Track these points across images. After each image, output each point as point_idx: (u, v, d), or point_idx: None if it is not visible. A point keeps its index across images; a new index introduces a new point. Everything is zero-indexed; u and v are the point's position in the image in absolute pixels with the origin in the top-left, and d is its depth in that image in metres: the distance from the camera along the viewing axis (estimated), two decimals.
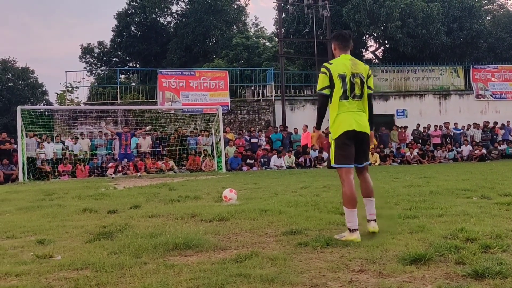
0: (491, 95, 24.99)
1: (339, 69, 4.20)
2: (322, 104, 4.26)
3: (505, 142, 21.93)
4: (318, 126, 4.40)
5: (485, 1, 33.81)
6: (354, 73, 4.21)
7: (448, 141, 21.61)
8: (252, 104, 23.40)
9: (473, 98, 24.83)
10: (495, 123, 23.06)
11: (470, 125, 22.69)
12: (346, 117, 4.16)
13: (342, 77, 4.16)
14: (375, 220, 4.26)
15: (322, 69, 4.24)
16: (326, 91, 4.20)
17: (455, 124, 22.61)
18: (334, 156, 4.19)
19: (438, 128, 22.11)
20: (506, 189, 7.37)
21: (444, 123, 22.41)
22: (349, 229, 4.05)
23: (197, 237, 4.12)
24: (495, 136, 22.42)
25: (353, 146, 4.18)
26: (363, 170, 4.34)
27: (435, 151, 20.87)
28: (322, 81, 4.21)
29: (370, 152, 4.37)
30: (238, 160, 18.32)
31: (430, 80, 24.90)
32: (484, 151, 20.62)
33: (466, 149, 21.09)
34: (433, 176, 11.07)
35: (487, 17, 32.05)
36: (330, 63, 4.26)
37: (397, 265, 3.17)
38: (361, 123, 4.19)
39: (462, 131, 22.35)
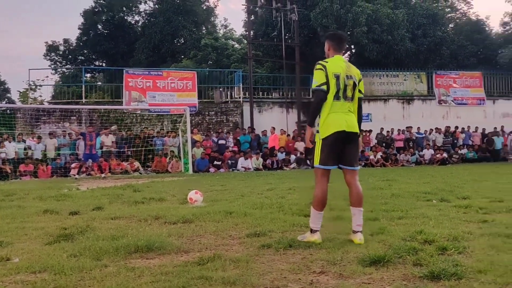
0: (452, 101, 25.77)
1: (334, 68, 4.13)
2: (320, 100, 4.12)
3: (465, 147, 22.65)
4: (312, 123, 4.26)
5: (448, 9, 34.85)
6: (348, 75, 4.17)
7: (411, 145, 22.14)
8: (220, 106, 23.36)
9: (435, 104, 25.56)
10: (456, 127, 23.78)
11: (432, 130, 23.34)
12: (337, 118, 4.09)
13: (337, 77, 4.10)
14: (361, 232, 4.04)
15: (318, 66, 4.14)
16: (325, 87, 4.08)
17: (418, 128, 23.19)
18: (320, 156, 4.13)
19: (401, 132, 22.62)
20: (464, 192, 7.62)
21: (407, 127, 22.96)
22: (311, 230, 4.05)
23: (160, 240, 4.08)
24: (455, 141, 23.13)
25: (337, 148, 4.11)
26: (353, 175, 4.20)
27: (398, 154, 21.35)
28: (319, 77, 4.10)
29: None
30: (205, 162, 18.25)
31: (394, 85, 25.49)
32: (445, 155, 21.23)
33: (428, 153, 21.65)
34: (395, 179, 11.32)
35: (450, 25, 33.05)
36: (326, 61, 4.18)
37: (357, 267, 3.23)
38: (351, 123, 4.13)
39: (424, 135, 22.94)
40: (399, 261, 3.36)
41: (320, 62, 4.18)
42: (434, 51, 28.88)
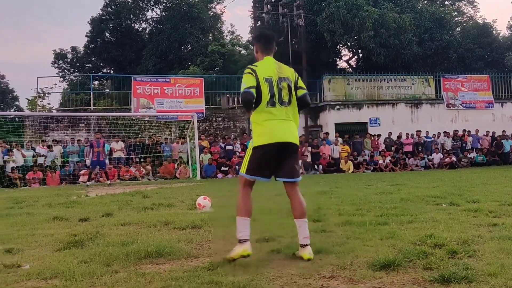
0: (460, 104, 25.63)
1: (265, 71, 3.81)
2: (248, 101, 3.75)
3: (474, 150, 22.50)
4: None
5: (455, 13, 34.77)
6: (280, 77, 3.83)
7: (420, 149, 22.04)
8: (227, 112, 23.44)
9: (443, 107, 25.42)
10: (464, 131, 23.65)
11: (441, 133, 23.21)
12: (272, 127, 3.76)
13: (269, 81, 3.77)
14: (309, 245, 3.73)
15: (247, 70, 3.81)
16: (254, 91, 3.71)
17: (426, 132, 23.08)
18: (247, 164, 3.80)
19: (410, 136, 22.54)
20: (474, 196, 7.56)
21: (416, 131, 22.87)
22: (239, 240, 3.65)
23: (170, 245, 4.09)
24: (464, 145, 22.98)
25: (270, 160, 3.79)
26: (293, 187, 3.89)
27: (407, 158, 21.25)
28: (249, 79, 3.75)
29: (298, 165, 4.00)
30: (212, 168, 18.28)
31: (402, 89, 25.40)
32: (454, 159, 21.11)
33: (437, 157, 21.54)
34: (404, 183, 11.27)
35: (457, 29, 32.94)
36: (256, 65, 3.86)
37: (367, 271, 3.22)
38: (288, 133, 3.80)
39: (433, 139, 22.81)
40: (409, 265, 3.35)
41: (249, 66, 3.88)
42: (442, 55, 28.80)
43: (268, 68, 3.86)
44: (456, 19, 34.37)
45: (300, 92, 3.94)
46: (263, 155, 3.76)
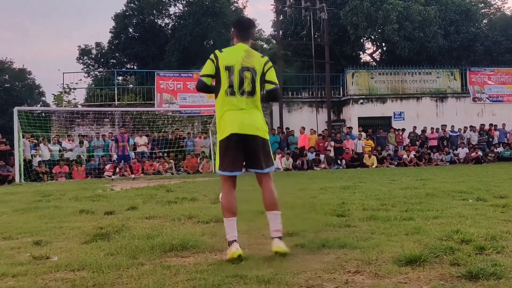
0: (487, 98, 25.11)
1: (227, 59, 3.69)
2: (200, 88, 3.81)
3: (501, 145, 22.03)
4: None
5: (482, 5, 33.98)
6: (244, 66, 3.69)
7: (445, 144, 21.68)
8: None
9: (469, 101, 24.94)
10: (491, 125, 23.16)
11: (467, 128, 22.79)
12: (231, 117, 3.65)
13: (229, 69, 3.66)
14: (280, 238, 3.65)
15: (211, 56, 3.75)
16: (207, 80, 3.72)
17: (452, 126, 22.70)
18: (219, 161, 3.72)
19: (435, 131, 22.19)
20: (501, 191, 7.41)
21: (441, 125, 22.50)
22: (228, 242, 3.60)
23: (194, 239, 4.13)
24: (491, 139, 22.51)
25: (238, 151, 3.68)
26: (263, 177, 3.80)
27: (432, 153, 20.94)
28: (206, 67, 3.73)
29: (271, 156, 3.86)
30: None
31: (427, 83, 24.98)
32: (480, 153, 20.70)
33: (462, 152, 21.16)
34: (429, 178, 11.11)
35: (484, 21, 32.22)
36: (221, 51, 3.76)
37: (392, 266, 3.18)
38: (247, 124, 3.64)
39: (458, 133, 22.43)
40: (436, 260, 3.30)
41: (215, 51, 3.78)
42: (468, 48, 28.24)
43: (233, 55, 3.74)
44: (483, 11, 33.57)
45: (268, 87, 3.80)
46: (228, 148, 3.67)
